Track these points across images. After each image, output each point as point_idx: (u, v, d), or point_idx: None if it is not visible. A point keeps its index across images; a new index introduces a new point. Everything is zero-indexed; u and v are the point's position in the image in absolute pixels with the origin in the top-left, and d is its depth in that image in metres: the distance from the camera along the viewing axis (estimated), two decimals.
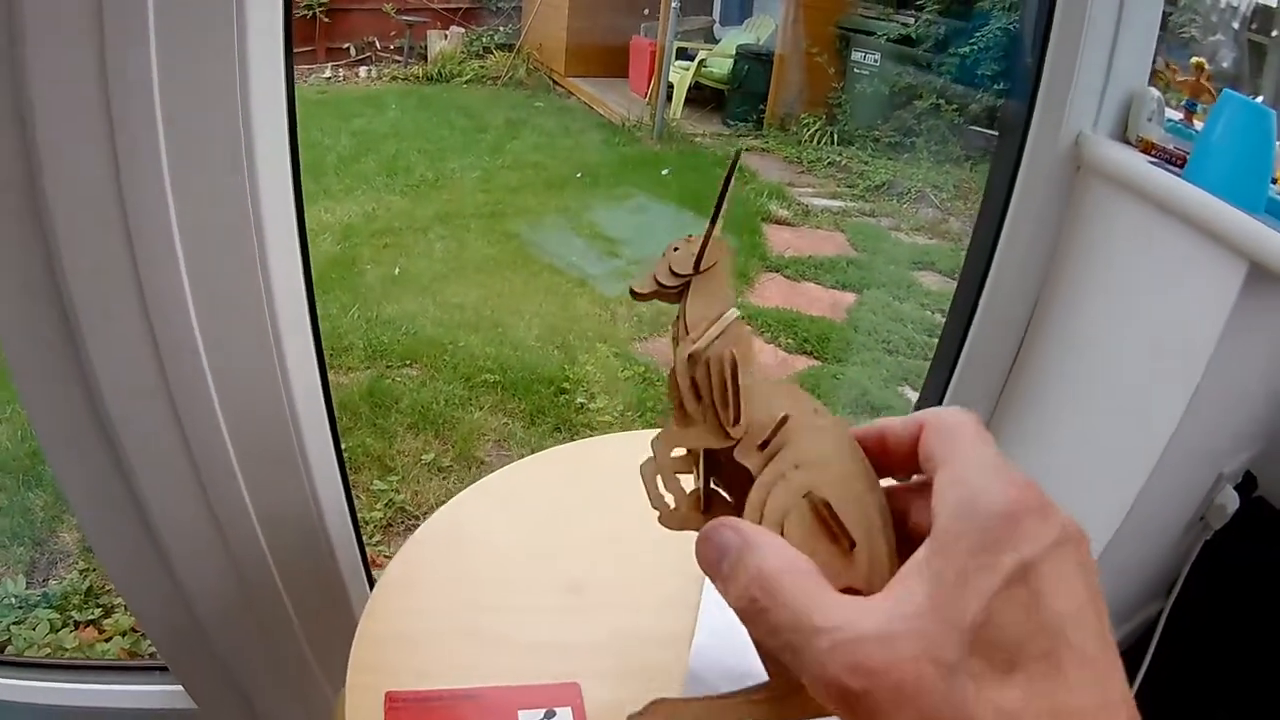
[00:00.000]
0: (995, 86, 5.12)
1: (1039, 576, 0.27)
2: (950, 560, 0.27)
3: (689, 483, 0.40)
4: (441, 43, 6.86)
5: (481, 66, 6.83)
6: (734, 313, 0.39)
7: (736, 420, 0.37)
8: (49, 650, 1.70)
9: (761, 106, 6.11)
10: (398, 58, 6.83)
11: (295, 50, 0.77)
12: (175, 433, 0.79)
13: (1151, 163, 1.11)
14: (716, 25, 7.13)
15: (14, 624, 1.76)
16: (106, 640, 1.73)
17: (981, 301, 1.30)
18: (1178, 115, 1.20)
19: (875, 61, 5.71)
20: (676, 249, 0.40)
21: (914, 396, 2.23)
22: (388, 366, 2.93)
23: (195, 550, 0.88)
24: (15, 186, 0.66)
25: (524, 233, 4.12)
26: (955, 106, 5.37)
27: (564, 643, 0.67)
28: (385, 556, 2.07)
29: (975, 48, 5.31)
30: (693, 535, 0.34)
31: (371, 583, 1.08)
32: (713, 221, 0.39)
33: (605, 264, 3.91)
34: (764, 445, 0.36)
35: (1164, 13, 1.17)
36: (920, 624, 0.26)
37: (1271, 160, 1.05)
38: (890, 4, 6.09)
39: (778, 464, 0.35)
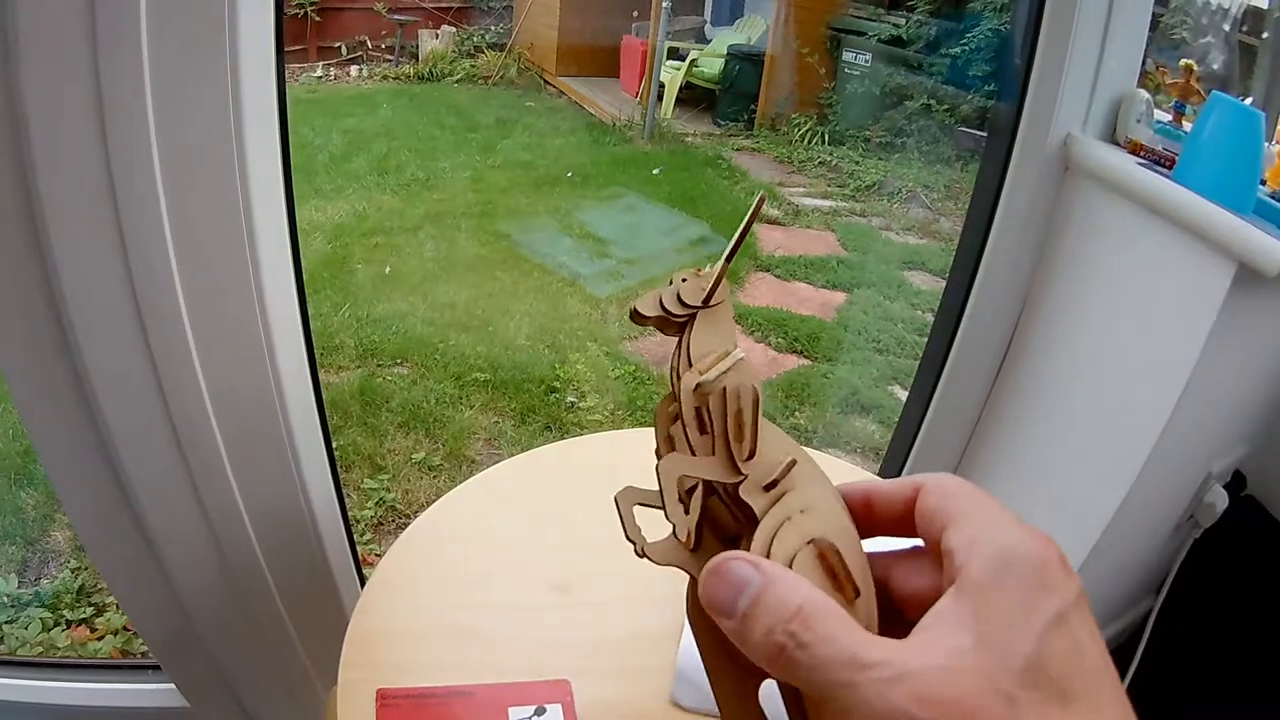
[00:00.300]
0: (986, 87, 5.14)
1: (1071, 624, 0.28)
2: (992, 604, 0.28)
3: (654, 520, 0.37)
4: (433, 42, 6.85)
5: (473, 66, 6.81)
6: (740, 352, 0.38)
7: (751, 455, 0.36)
8: (41, 649, 1.69)
9: (752, 106, 6.12)
10: (389, 57, 6.82)
11: (286, 49, 0.77)
12: (167, 431, 0.79)
13: (1140, 164, 1.11)
14: (708, 25, 7.14)
15: (6, 623, 1.76)
16: (99, 639, 1.72)
17: (970, 301, 1.30)
18: (1167, 117, 1.21)
19: (866, 62, 5.73)
20: (685, 280, 0.39)
21: (903, 395, 2.24)
22: (378, 365, 2.92)
23: (187, 549, 0.88)
24: (7, 185, 0.65)
25: (515, 232, 4.11)
26: (946, 107, 5.39)
27: (554, 640, 0.68)
28: (376, 555, 2.06)
29: (966, 49, 5.33)
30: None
31: (362, 581, 1.08)
32: (728, 258, 0.38)
33: (596, 264, 3.91)
34: (769, 487, 0.35)
35: (1155, 14, 1.17)
36: (978, 660, 0.27)
37: (1260, 162, 1.06)
38: (881, 5, 6.11)
39: (783, 507, 0.35)
